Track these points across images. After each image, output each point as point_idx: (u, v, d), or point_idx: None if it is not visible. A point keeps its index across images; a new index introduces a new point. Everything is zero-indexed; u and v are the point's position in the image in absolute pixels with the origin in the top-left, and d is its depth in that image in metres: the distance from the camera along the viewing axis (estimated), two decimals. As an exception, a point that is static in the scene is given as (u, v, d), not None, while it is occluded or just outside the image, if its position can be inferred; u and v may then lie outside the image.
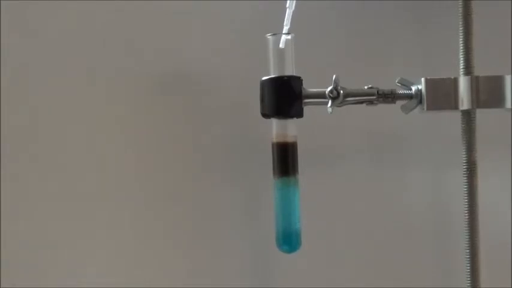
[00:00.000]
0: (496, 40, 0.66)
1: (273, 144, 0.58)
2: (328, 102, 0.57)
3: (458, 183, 0.58)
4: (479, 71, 0.57)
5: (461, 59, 0.57)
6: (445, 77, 0.57)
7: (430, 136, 0.69)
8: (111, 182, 0.69)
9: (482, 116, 0.58)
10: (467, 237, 0.58)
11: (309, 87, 0.58)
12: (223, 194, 0.69)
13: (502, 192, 0.69)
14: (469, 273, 0.58)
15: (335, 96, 0.57)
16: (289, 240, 0.58)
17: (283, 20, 0.56)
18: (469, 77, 0.57)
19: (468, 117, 0.58)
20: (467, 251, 0.58)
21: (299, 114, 0.58)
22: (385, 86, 0.58)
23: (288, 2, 0.57)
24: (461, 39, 0.57)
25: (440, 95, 0.57)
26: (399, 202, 0.70)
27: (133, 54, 0.68)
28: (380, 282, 0.69)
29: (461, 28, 0.57)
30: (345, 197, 0.69)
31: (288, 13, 0.57)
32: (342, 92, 0.57)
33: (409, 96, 0.58)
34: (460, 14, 0.57)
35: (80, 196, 0.68)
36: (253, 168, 0.68)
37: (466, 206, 0.58)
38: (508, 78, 0.57)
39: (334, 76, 0.57)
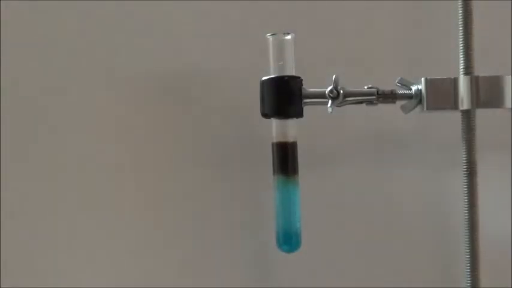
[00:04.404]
0: (496, 40, 0.66)
1: (273, 144, 0.58)
2: (328, 102, 0.58)
3: (458, 183, 0.59)
4: (479, 71, 0.57)
5: (461, 59, 0.57)
6: (445, 77, 0.58)
7: (430, 136, 0.69)
8: (111, 182, 0.69)
9: (482, 116, 0.58)
10: (467, 237, 0.58)
11: (309, 87, 0.58)
12: (223, 194, 0.69)
13: (502, 192, 0.69)
14: (469, 273, 0.58)
15: (335, 96, 0.57)
16: (289, 240, 0.58)
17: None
18: (469, 77, 0.57)
19: (468, 117, 0.58)
20: (467, 251, 0.58)
21: (299, 114, 0.58)
22: (385, 86, 0.58)
23: None
24: (461, 39, 0.57)
25: (440, 95, 0.57)
26: (399, 202, 0.70)
27: (132, 54, 0.68)
28: (380, 282, 0.69)
29: (461, 28, 0.57)
30: (345, 197, 0.69)
31: None
32: (342, 92, 0.57)
33: (409, 96, 0.58)
34: (460, 14, 0.57)
35: (80, 196, 0.68)
36: (253, 168, 0.68)
37: (466, 206, 0.58)
38: (508, 78, 0.57)
39: (334, 76, 0.58)
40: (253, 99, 0.58)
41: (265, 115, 0.58)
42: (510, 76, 0.57)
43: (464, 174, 0.58)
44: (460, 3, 0.57)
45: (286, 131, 0.58)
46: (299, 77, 0.58)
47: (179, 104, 0.69)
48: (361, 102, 0.59)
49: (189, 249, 0.69)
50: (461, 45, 0.57)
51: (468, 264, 0.58)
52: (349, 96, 0.58)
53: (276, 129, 0.58)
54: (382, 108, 0.59)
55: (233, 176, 0.69)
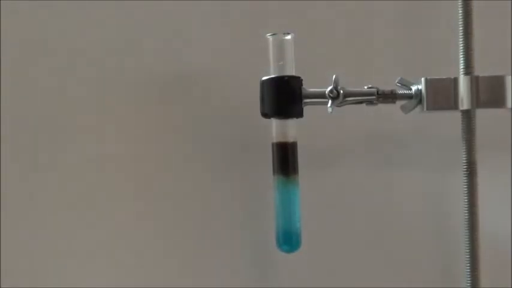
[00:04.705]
0: (496, 40, 0.66)
1: (273, 144, 0.58)
2: (328, 102, 0.58)
3: (458, 183, 0.59)
4: (479, 71, 0.57)
5: (461, 59, 0.57)
6: (445, 77, 0.58)
7: (430, 136, 0.69)
8: (111, 182, 0.69)
9: (482, 116, 0.58)
10: (467, 237, 0.58)
11: (309, 87, 0.58)
12: (223, 194, 0.69)
13: (502, 192, 0.69)
14: (469, 273, 0.58)
15: (335, 96, 0.57)
16: (289, 240, 0.58)
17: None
18: (469, 77, 0.57)
19: (468, 117, 0.58)
20: (467, 251, 0.58)
21: (299, 114, 0.58)
22: (385, 86, 0.58)
23: None
24: (461, 39, 0.57)
25: (440, 94, 0.57)
26: (399, 202, 0.70)
27: (133, 54, 0.68)
28: (380, 282, 0.69)
29: (461, 28, 0.57)
30: (345, 197, 0.69)
31: None
32: (341, 92, 0.57)
33: (409, 96, 0.58)
34: (460, 14, 0.57)
35: (80, 197, 0.68)
36: (254, 168, 0.68)
37: (466, 206, 0.58)
38: (508, 78, 0.57)
39: (334, 76, 0.58)
40: (253, 99, 0.58)
41: (265, 115, 0.58)
42: (510, 76, 0.57)
43: (464, 174, 0.58)
44: (460, 3, 0.57)
45: (286, 131, 0.58)
46: (299, 77, 0.58)
47: (179, 104, 0.69)
48: (361, 102, 0.59)
49: (189, 249, 0.69)
50: (461, 45, 0.57)
51: (468, 264, 0.58)
52: (349, 96, 0.58)
53: (276, 129, 0.58)
54: (382, 108, 0.59)
55: (233, 176, 0.69)
